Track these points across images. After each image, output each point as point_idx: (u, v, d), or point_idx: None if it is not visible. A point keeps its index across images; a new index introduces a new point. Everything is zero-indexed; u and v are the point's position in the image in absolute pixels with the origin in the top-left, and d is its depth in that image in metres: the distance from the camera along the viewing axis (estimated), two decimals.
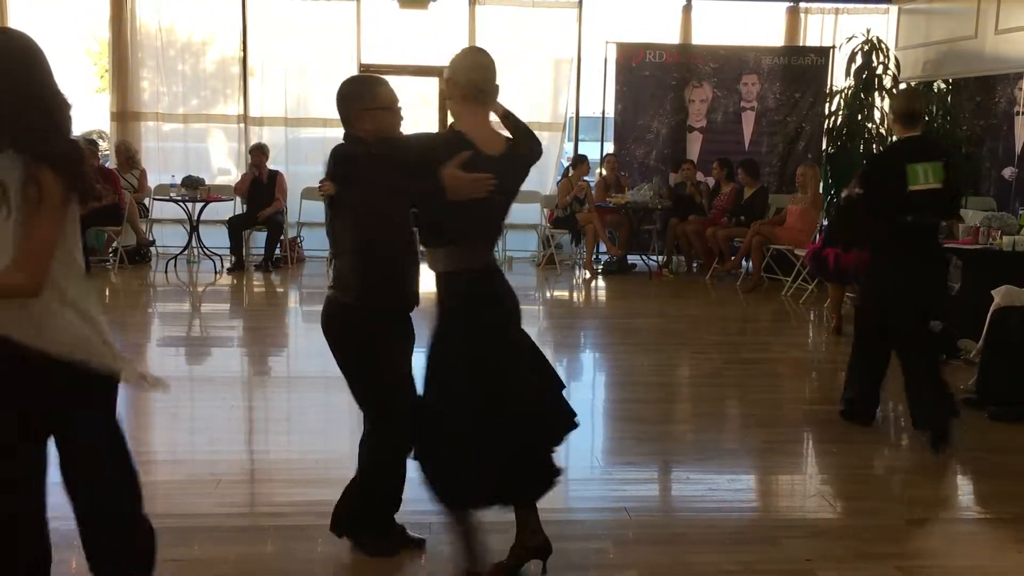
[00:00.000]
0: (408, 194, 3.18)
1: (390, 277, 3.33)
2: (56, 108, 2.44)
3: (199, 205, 10.30)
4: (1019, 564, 3.59)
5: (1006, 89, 10.81)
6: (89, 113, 15.40)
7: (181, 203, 10.27)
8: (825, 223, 10.49)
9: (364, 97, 3.29)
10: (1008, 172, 10.75)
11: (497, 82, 3.24)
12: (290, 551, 3.54)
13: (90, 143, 11.36)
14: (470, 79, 3.16)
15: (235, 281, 9.81)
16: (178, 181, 10.36)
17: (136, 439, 4.92)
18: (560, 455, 3.43)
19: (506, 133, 3.32)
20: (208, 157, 11.84)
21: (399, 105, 3.35)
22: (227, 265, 10.27)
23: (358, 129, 3.27)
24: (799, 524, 3.93)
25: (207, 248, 10.48)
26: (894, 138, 5.60)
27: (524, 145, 3.30)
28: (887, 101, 10.87)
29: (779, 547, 3.66)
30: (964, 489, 4.64)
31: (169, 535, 3.66)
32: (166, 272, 9.97)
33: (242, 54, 11.25)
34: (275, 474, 4.40)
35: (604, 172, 11.02)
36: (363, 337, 3.30)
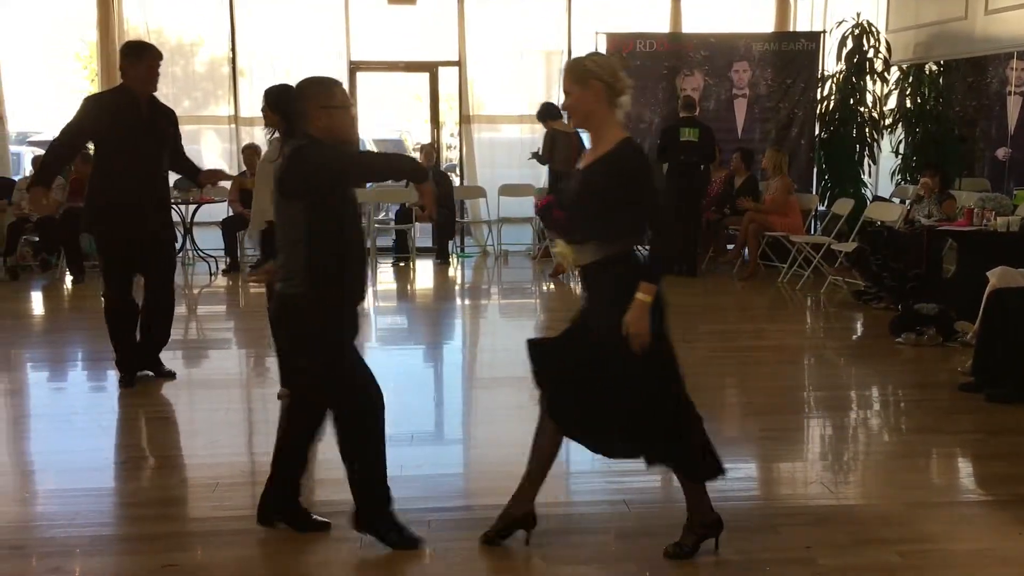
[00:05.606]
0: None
1: (341, 269, 3.35)
2: None
3: (192, 207, 10.28)
4: (1021, 546, 3.58)
5: (998, 69, 10.78)
6: None
7: (174, 205, 10.21)
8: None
9: (323, 96, 3.34)
10: (1002, 152, 10.74)
11: None
12: (289, 553, 3.53)
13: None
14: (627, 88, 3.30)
15: (230, 282, 9.79)
16: (171, 183, 10.30)
17: (132, 444, 4.92)
18: (562, 448, 3.46)
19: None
20: (201, 158, 11.72)
21: (352, 107, 3.45)
22: (222, 267, 10.24)
23: (312, 127, 3.31)
24: (799, 511, 3.92)
25: (201, 250, 10.45)
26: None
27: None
28: (879, 84, 10.84)
29: (779, 535, 3.65)
30: (963, 472, 4.64)
31: (167, 540, 3.65)
32: None
33: (231, 55, 11.21)
34: None
35: None
36: (315, 330, 3.36)
